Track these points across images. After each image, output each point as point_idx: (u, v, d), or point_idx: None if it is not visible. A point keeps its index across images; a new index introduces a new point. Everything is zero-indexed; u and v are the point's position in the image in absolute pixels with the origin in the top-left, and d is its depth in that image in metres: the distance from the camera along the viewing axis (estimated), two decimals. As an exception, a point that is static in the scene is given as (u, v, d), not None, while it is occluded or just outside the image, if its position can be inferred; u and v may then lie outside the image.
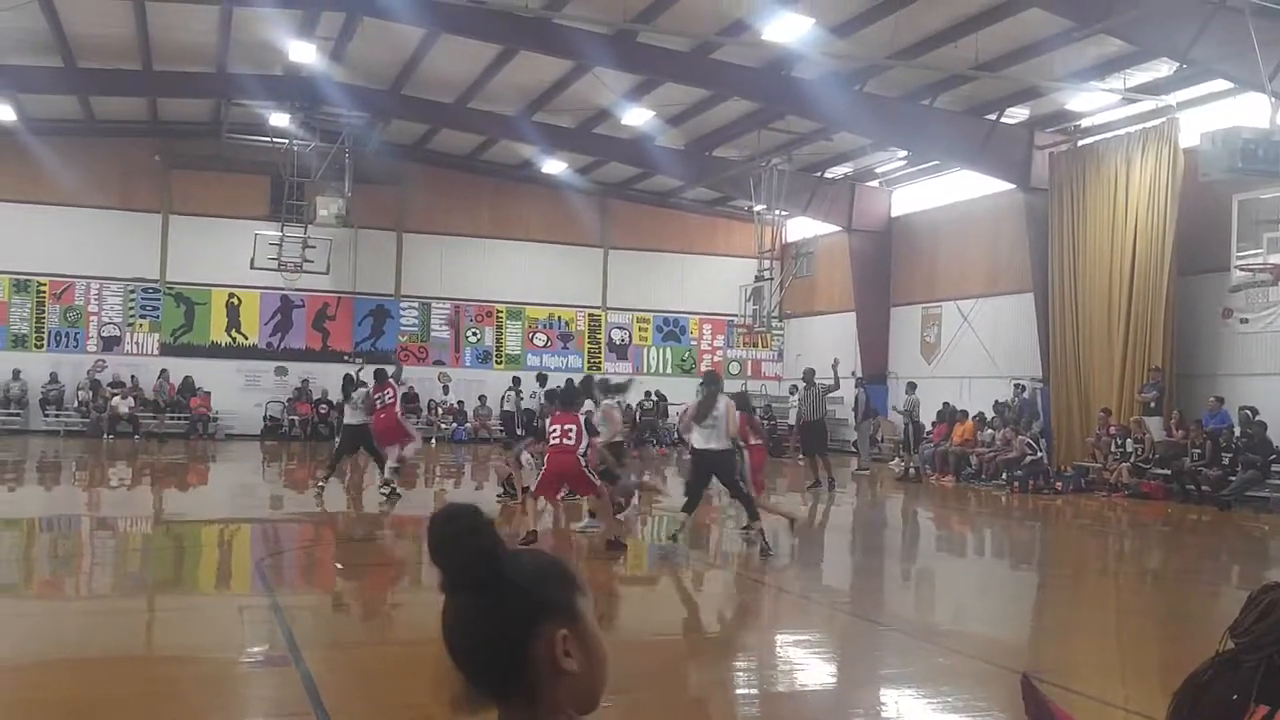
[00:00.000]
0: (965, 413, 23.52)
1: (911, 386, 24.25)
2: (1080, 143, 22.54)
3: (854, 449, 26.04)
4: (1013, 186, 23.54)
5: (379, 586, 10.27)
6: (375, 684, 6.57)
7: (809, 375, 21.11)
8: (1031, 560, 14.05)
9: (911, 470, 22.96)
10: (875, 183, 29.73)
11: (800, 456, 22.49)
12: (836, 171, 29.17)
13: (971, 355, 26.09)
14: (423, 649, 6.40)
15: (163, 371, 29.37)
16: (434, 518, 1.52)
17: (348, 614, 8.97)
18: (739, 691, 6.98)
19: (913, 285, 28.73)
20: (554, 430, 11.13)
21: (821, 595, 10.33)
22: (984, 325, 25.92)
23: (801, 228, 32.17)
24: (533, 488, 11.64)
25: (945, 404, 24.23)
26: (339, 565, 10.54)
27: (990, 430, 22.74)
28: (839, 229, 30.00)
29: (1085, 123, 22.71)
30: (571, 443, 11.02)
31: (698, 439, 11.33)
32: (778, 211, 28.79)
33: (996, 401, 23.70)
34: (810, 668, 7.73)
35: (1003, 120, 22.63)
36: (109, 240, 29.40)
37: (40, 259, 28.92)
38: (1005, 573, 12.83)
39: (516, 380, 24.14)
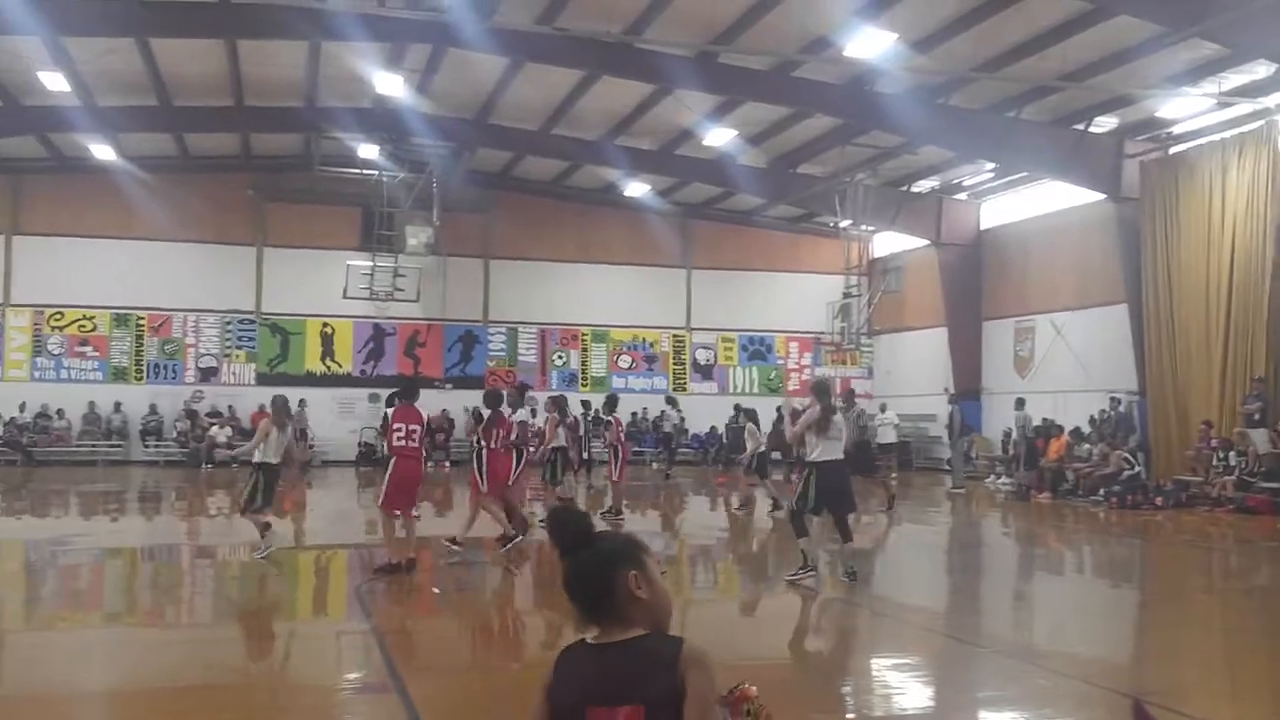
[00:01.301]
0: (1060, 428, 23.01)
1: (1020, 402, 23.76)
2: (1172, 150, 22.02)
3: (948, 467, 25.62)
4: (1103, 197, 23.06)
5: (478, 611, 10.36)
6: (476, 709, 6.61)
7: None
8: (1133, 578, 13.67)
9: (1024, 488, 22.34)
10: (963, 195, 29.34)
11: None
12: (923, 185, 28.87)
13: (1065, 369, 25.55)
14: (521, 673, 6.48)
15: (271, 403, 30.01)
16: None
17: (447, 639, 9.05)
18: (833, 716, 6.89)
19: (1004, 299, 28.26)
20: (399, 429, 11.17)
21: (916, 616, 10.16)
22: (1077, 338, 25.38)
23: (889, 243, 31.91)
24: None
25: (1042, 419, 23.74)
26: (436, 590, 10.64)
27: (1086, 445, 22.23)
28: (927, 243, 29.67)
29: (1177, 129, 22.17)
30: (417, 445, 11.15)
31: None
32: (864, 227, 28.62)
33: (1092, 416, 23.17)
34: (907, 691, 7.60)
35: (1091, 129, 22.21)
36: (205, 273, 30.26)
37: (139, 293, 29.87)
38: (1106, 591, 12.49)
39: (586, 404, 24.17)
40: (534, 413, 15.70)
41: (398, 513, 11.22)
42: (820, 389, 11.04)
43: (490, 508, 12.49)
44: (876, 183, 27.63)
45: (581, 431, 22.70)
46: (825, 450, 10.63)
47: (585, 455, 22.87)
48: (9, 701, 6.94)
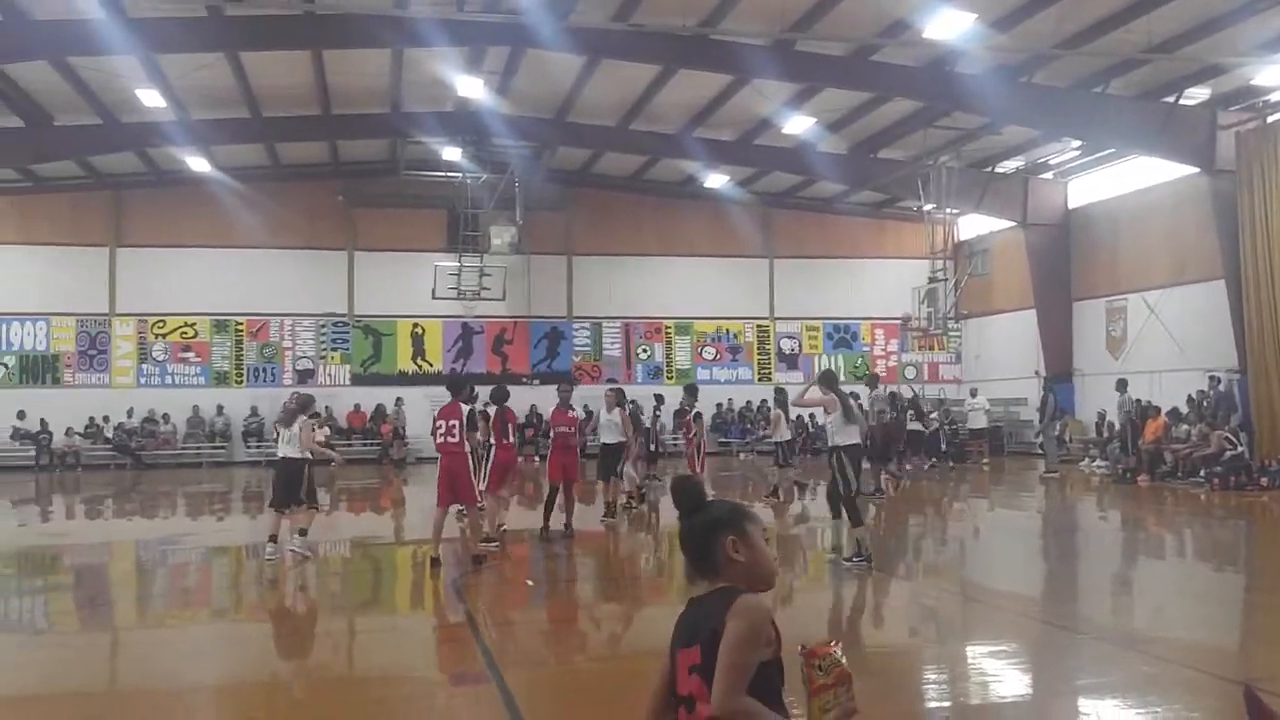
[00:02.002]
0: (1157, 409, 22.51)
1: (1122, 384, 23.24)
2: (1270, 119, 21.35)
3: (1040, 451, 25.21)
4: (1196, 170, 22.47)
5: (573, 603, 10.53)
6: (574, 701, 6.76)
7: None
8: (1238, 561, 13.35)
9: (1126, 471, 21.85)
10: (1049, 175, 28.81)
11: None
12: (1008, 166, 28.41)
13: (1160, 348, 24.96)
14: (618, 665, 6.61)
15: (381, 406, 30.82)
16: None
17: (544, 631, 9.23)
18: (931, 705, 6.90)
19: (1095, 278, 27.70)
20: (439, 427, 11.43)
21: (1011, 602, 10.08)
22: (1172, 316, 24.77)
23: (974, 225, 31.47)
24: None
25: (1137, 400, 23.24)
26: (531, 582, 10.84)
27: (1185, 426, 21.71)
28: (1013, 224, 29.21)
29: (1275, 97, 21.50)
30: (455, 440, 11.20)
31: (844, 435, 11.16)
32: (948, 210, 28.24)
33: (1190, 396, 22.62)
34: (1004, 678, 7.57)
35: (1182, 101, 21.65)
36: (300, 278, 31.04)
37: (237, 299, 30.75)
38: (1210, 575, 12.22)
39: (659, 398, 24.11)
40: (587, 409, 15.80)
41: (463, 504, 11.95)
42: (828, 379, 11.60)
43: (488, 505, 12.75)
44: (960, 165, 27.26)
45: (648, 424, 22.91)
46: (847, 435, 11.19)
47: (653, 447, 22.93)
48: (124, 697, 7.27)
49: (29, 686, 7.26)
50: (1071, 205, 28.73)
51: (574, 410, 14.48)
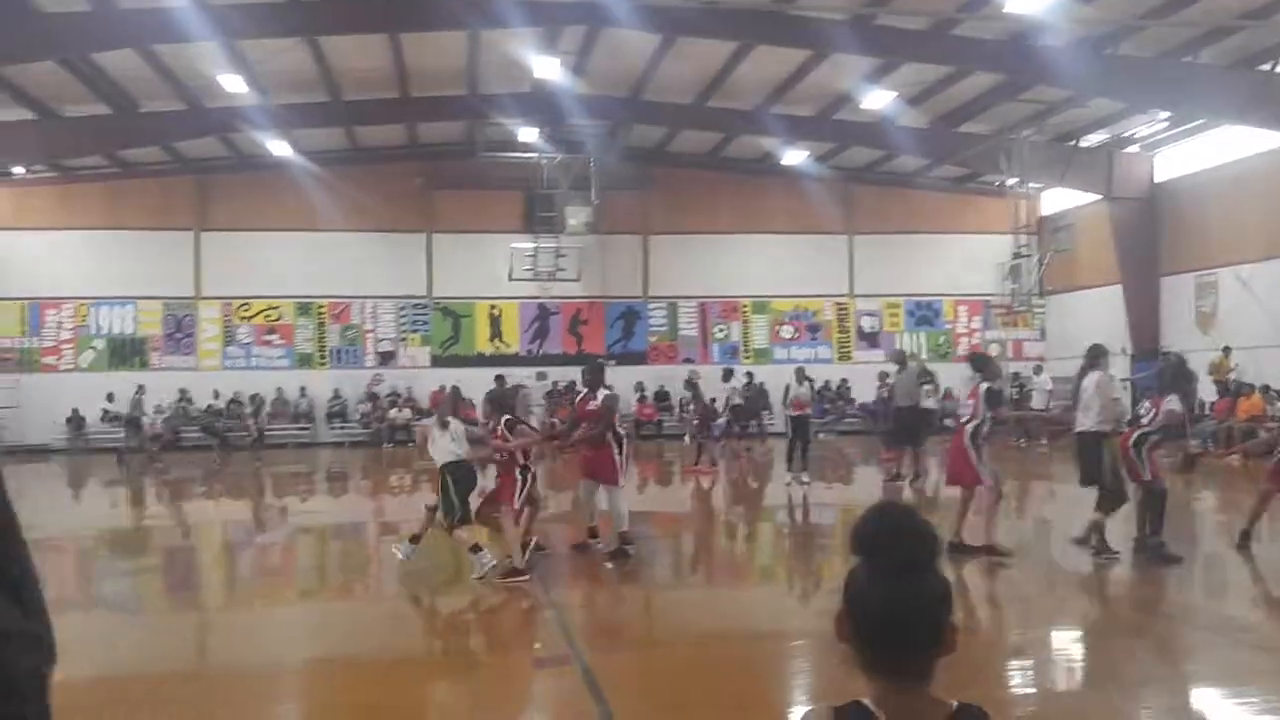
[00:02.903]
0: (1251, 386, 21.85)
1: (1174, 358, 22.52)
2: (1373, 85, 20.51)
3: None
4: (1293, 140, 21.70)
5: (650, 586, 10.54)
6: (655, 683, 6.76)
7: (899, 356, 19.28)
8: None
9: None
10: (1135, 148, 28.05)
11: (886, 448, 19.31)
12: (1092, 139, 27.72)
13: (1254, 324, 24.19)
14: (696, 649, 6.59)
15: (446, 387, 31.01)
16: (891, 508, 1.90)
17: (624, 613, 9.25)
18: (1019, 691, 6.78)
19: (1183, 253, 26.94)
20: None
21: (1115, 588, 9.86)
22: (1267, 291, 23.98)
23: (1058, 200, 30.80)
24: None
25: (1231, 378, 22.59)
26: (609, 565, 10.86)
27: (1281, 404, 21.06)
28: (1098, 198, 28.53)
29: (1378, 62, 20.65)
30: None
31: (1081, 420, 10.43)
32: (1031, 184, 27.68)
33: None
34: (1098, 665, 7.41)
35: (1279, 69, 20.87)
36: (379, 261, 31.42)
37: (319, 282, 31.23)
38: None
39: (750, 374, 24.08)
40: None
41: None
42: (898, 356, 11.08)
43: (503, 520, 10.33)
44: (1043, 138, 26.65)
45: (729, 404, 22.84)
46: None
47: (742, 428, 22.81)
48: (215, 677, 7.43)
49: (125, 665, 7.45)
50: (1158, 178, 27.96)
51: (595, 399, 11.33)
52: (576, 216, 29.11)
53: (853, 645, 1.83)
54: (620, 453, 11.06)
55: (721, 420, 23.39)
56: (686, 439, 30.25)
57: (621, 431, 11.33)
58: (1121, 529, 10.71)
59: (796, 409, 18.38)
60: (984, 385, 10.70)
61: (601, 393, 11.21)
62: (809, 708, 1.93)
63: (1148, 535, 10.15)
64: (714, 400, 23.89)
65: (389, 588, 10.54)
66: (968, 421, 10.65)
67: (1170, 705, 6.35)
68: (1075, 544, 10.55)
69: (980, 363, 11.37)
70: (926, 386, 19.16)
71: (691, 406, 24.41)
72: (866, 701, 1.81)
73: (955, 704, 1.82)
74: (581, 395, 11.60)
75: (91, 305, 30.76)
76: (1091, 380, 10.33)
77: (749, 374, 22.94)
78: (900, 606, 1.77)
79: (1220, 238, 25.54)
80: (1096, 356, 10.72)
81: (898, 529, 1.84)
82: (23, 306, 30.43)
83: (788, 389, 18.85)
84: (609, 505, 11.07)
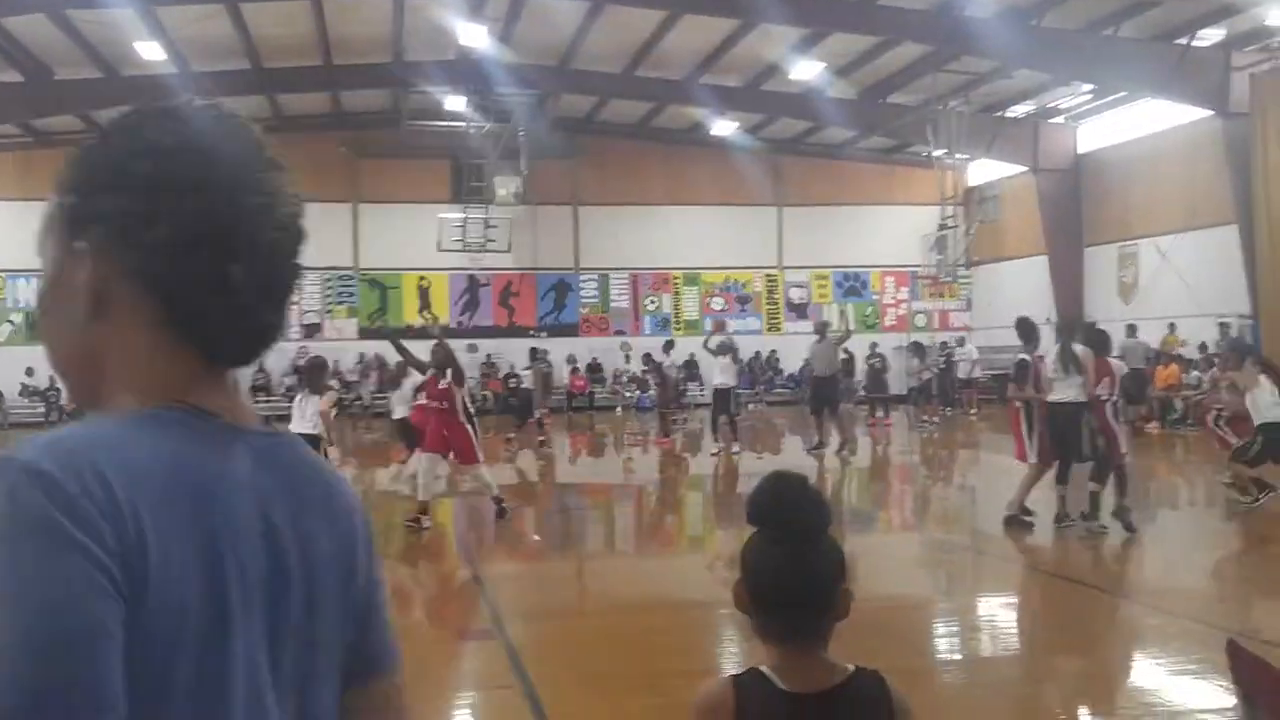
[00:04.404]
0: (1169, 355, 22.35)
1: (1132, 329, 22.94)
2: (1285, 60, 21.00)
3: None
4: (1210, 113, 22.13)
5: (576, 558, 10.53)
6: (577, 654, 6.75)
7: (822, 327, 19.57)
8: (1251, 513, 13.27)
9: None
10: (1060, 119, 28.46)
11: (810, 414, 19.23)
12: (1018, 110, 28.08)
13: (1172, 294, 24.73)
14: (619, 620, 6.57)
15: (361, 355, 30.72)
16: (784, 479, 1.91)
17: (549, 585, 9.23)
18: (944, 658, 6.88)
19: (1106, 224, 27.44)
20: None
21: (1019, 554, 10.04)
22: (1185, 262, 24.52)
23: (984, 171, 31.15)
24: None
25: (1149, 347, 23.07)
26: (536, 538, 10.84)
27: (1195, 372, 21.57)
28: (1024, 169, 28.93)
29: (1291, 38, 21.13)
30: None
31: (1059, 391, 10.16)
32: (958, 156, 27.92)
33: (1203, 342, 22.45)
34: (1011, 631, 7.55)
35: (1195, 43, 21.27)
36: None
37: (243, 254, 30.58)
38: (1218, 526, 12.16)
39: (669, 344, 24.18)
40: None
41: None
42: (1025, 327, 10.79)
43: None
44: (970, 110, 26.90)
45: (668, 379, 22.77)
46: (1056, 391, 10.18)
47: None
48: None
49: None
50: (1082, 150, 28.41)
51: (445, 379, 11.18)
52: (506, 187, 28.78)
53: (751, 613, 1.85)
54: (474, 431, 11.00)
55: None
56: (618, 410, 30.40)
57: (471, 410, 11.27)
58: (1042, 497, 10.88)
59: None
60: (1020, 356, 10.71)
61: (449, 372, 11.05)
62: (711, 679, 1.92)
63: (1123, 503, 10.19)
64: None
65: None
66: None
67: (1078, 669, 6.47)
68: (1057, 523, 10.26)
69: (1024, 331, 10.98)
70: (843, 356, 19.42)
71: (652, 380, 24.34)
72: (764, 668, 1.84)
73: (852, 667, 1.85)
74: (430, 375, 11.30)
75: (8, 278, 29.89)
76: (1081, 352, 10.28)
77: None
78: (794, 573, 1.81)
79: (1141, 209, 26.04)
80: (1074, 329, 10.79)
81: (791, 498, 1.87)
82: (-67, 279, 29.49)
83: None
84: (474, 479, 10.88)
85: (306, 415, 9.45)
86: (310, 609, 1.08)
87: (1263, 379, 11.58)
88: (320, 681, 1.11)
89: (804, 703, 1.79)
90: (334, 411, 9.56)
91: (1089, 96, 26.75)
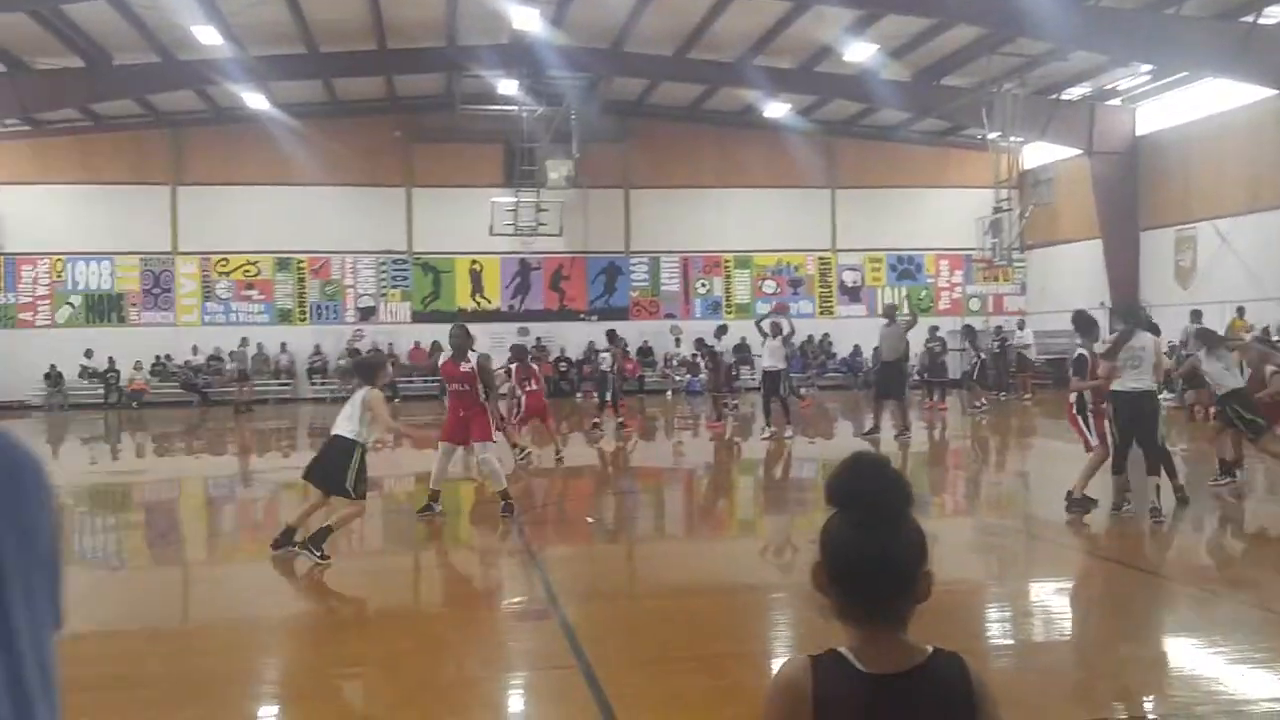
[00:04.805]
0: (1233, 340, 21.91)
1: (1197, 315, 22.43)
2: (1355, 37, 20.47)
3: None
4: (1275, 92, 21.67)
5: (632, 540, 10.58)
6: (632, 636, 6.80)
7: (890, 311, 19.42)
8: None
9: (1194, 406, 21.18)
10: (1117, 101, 28.00)
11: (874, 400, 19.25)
12: (1074, 92, 27.66)
13: (1232, 278, 24.29)
14: (676, 602, 6.61)
15: (434, 344, 30.88)
16: (864, 460, 1.91)
17: (603, 567, 9.29)
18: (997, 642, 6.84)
19: (1163, 207, 26.99)
20: None
21: (1080, 542, 9.95)
22: (1246, 244, 24.07)
23: (1039, 154, 30.77)
24: None
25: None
26: (590, 519, 10.91)
27: (1259, 357, 21.11)
28: (1079, 152, 28.51)
29: (1360, 14, 20.60)
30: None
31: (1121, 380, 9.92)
32: (1013, 138, 27.60)
33: (1266, 326, 22.00)
34: (1071, 618, 7.49)
35: (1261, 21, 20.80)
36: (359, 216, 31.19)
37: (298, 238, 31.00)
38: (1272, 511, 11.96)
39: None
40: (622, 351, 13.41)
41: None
42: (1083, 320, 10.63)
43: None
44: (1025, 92, 26.55)
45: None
46: (1126, 379, 9.94)
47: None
48: (196, 630, 7.44)
49: (108, 620, 7.45)
50: (1140, 132, 27.94)
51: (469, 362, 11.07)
52: (557, 170, 28.86)
53: (829, 595, 1.85)
54: (489, 414, 11.04)
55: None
56: (668, 394, 30.41)
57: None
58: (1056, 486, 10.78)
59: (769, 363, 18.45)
60: (1078, 350, 10.59)
61: (472, 355, 11.03)
62: (785, 659, 1.94)
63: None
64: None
65: (371, 543, 10.55)
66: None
67: (1147, 656, 6.42)
68: (1115, 510, 10.17)
69: (1082, 324, 10.77)
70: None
71: (704, 364, 24.26)
72: (843, 650, 1.85)
73: (931, 649, 1.85)
74: (448, 358, 11.17)
75: (68, 261, 30.46)
76: (1149, 340, 10.10)
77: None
78: (875, 555, 1.80)
79: (1200, 191, 25.58)
80: (1138, 316, 10.56)
81: (871, 479, 1.87)
82: (-3, 262, 30.12)
83: (764, 341, 18.74)
84: (484, 466, 10.78)
85: (349, 414, 9.22)
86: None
87: None
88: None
89: (883, 684, 1.80)
90: (388, 410, 9.34)
91: (1148, 77, 26.28)
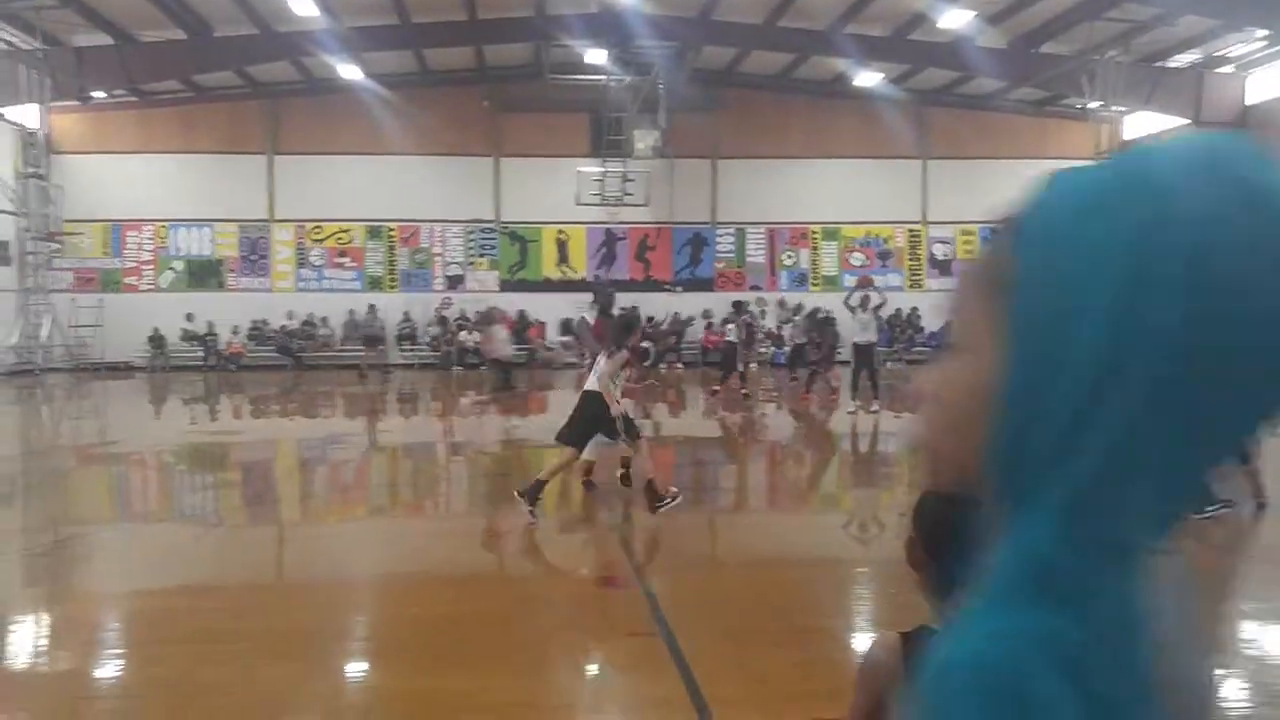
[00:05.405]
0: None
1: None
2: None
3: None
4: (1397, 59, 20.71)
5: (711, 512, 10.59)
6: (715, 607, 6.81)
7: (864, 287, 19.00)
8: None
9: None
10: (1228, 68, 27.01)
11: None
12: (1181, 60, 26.75)
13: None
14: (755, 574, 6.58)
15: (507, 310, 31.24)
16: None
17: (687, 537, 9.31)
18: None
19: (1273, 179, 25.98)
20: None
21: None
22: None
23: (1143, 124, 29.86)
24: None
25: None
26: (674, 489, 10.91)
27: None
28: (1186, 123, 27.58)
29: None
30: None
31: None
32: (1115, 108, 26.81)
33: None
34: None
35: (1384, -16, 19.91)
36: (448, 185, 31.51)
37: (389, 206, 31.44)
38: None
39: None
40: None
41: None
42: None
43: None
44: (1129, 59, 25.76)
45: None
46: None
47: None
48: (289, 588, 7.63)
49: (203, 577, 7.68)
50: (1250, 100, 26.93)
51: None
52: (644, 140, 28.79)
53: (926, 570, 1.82)
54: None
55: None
56: (753, 366, 30.24)
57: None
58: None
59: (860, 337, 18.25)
60: None
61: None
62: (875, 635, 1.91)
63: None
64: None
65: (458, 506, 10.71)
66: None
67: (1229, 638, 6.25)
68: None
69: None
70: None
71: (811, 337, 24.01)
72: (935, 626, 1.81)
73: None
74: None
75: (170, 227, 31.30)
76: None
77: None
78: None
79: (1313, 163, 24.58)
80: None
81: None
82: (105, 228, 31.06)
83: (854, 315, 18.54)
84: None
85: (597, 371, 9.64)
86: None
87: None
88: None
89: None
90: (624, 372, 9.72)
91: (1263, 43, 25.28)
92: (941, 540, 1.79)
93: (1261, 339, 0.74)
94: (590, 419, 9.48)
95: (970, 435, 0.83)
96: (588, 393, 9.57)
